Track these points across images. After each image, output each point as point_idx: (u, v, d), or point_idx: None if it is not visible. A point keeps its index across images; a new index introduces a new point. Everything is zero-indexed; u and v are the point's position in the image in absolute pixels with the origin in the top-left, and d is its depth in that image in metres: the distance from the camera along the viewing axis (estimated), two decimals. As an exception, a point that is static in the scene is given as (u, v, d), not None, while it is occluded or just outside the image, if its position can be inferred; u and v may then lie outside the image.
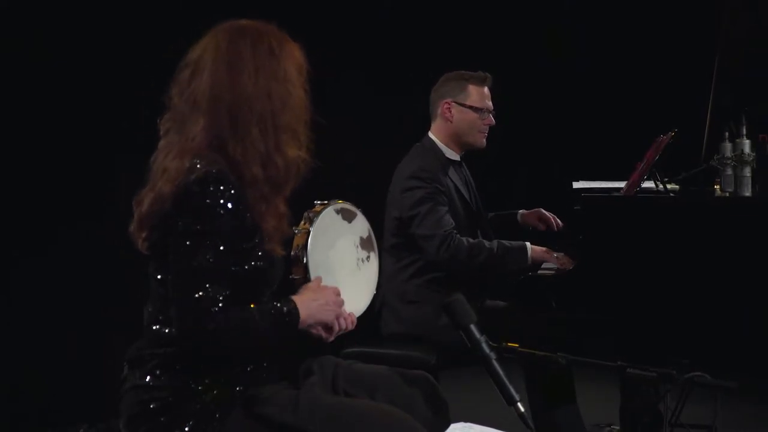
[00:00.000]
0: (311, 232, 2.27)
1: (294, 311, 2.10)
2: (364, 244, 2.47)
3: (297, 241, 2.27)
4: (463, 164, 3.72)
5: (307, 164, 2.18)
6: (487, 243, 3.45)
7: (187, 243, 1.99)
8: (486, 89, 3.64)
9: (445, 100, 3.61)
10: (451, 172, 3.60)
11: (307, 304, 2.13)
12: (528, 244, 3.47)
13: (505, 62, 5.79)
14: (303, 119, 2.18)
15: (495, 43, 5.85)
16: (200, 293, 1.96)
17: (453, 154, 3.64)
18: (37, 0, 4.05)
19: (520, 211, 3.86)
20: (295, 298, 2.14)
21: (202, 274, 1.97)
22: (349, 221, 2.43)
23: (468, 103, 3.59)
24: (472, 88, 3.61)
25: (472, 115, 3.60)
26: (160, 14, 4.31)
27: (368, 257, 2.47)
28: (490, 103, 3.64)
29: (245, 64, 2.10)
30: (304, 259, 2.25)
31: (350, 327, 2.29)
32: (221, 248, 2.00)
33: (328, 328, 2.23)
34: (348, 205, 2.43)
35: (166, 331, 2.08)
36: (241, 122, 2.08)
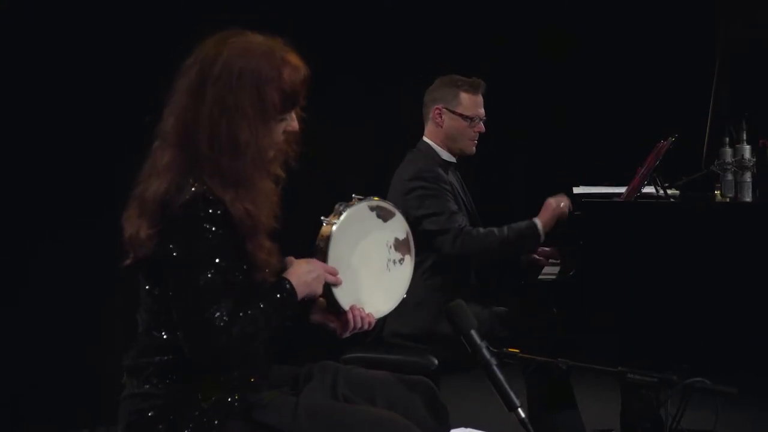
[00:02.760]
0: (337, 225, 2.24)
1: (292, 289, 2.09)
2: (400, 245, 2.41)
3: (323, 231, 2.25)
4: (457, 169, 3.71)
5: (276, 214, 2.12)
6: (496, 230, 3.41)
7: (184, 266, 1.98)
8: (479, 97, 3.61)
9: (437, 106, 3.59)
10: (450, 174, 3.59)
11: (304, 278, 2.13)
12: (537, 220, 3.41)
13: (504, 66, 5.81)
14: (263, 163, 2.09)
15: (494, 46, 5.85)
16: (206, 313, 1.95)
17: (449, 157, 3.63)
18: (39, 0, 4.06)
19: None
20: (289, 275, 2.12)
21: (205, 293, 1.96)
22: (385, 220, 2.37)
23: (459, 110, 3.57)
24: (464, 96, 3.58)
25: (462, 123, 3.57)
26: (165, 13, 4.31)
27: (402, 260, 2.42)
28: (482, 111, 3.61)
29: (205, 109, 2.03)
30: (326, 250, 2.23)
31: (366, 327, 2.29)
32: (218, 262, 1.98)
33: (343, 324, 2.24)
34: (386, 204, 2.38)
35: (162, 337, 2.06)
36: (202, 171, 2.03)
